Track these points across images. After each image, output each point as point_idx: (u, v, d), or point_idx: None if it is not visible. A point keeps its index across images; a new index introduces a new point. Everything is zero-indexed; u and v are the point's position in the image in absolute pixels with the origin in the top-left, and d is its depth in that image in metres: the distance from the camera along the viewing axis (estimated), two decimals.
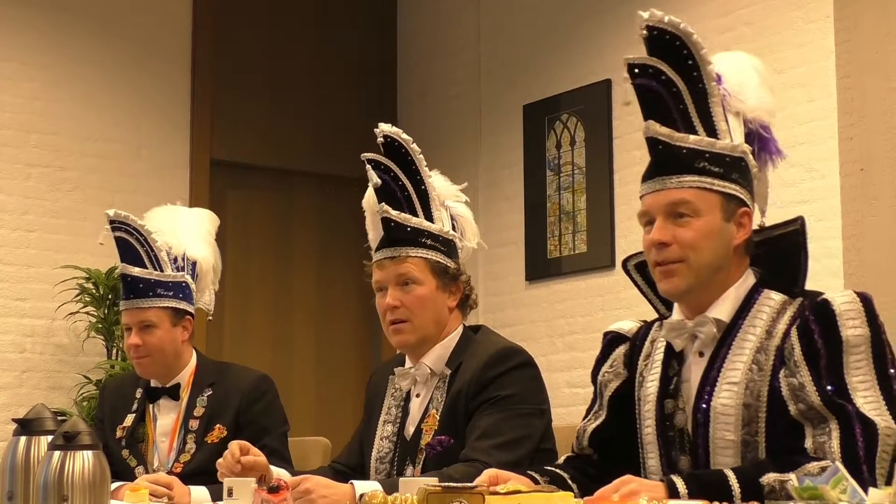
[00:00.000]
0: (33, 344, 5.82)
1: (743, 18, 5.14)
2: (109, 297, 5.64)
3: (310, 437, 4.34)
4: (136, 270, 3.59)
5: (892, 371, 2.26)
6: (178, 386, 3.63)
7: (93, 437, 2.15)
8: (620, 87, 2.53)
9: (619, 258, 5.17)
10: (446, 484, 2.11)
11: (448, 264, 3.05)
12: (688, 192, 2.37)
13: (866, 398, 2.22)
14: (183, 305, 3.64)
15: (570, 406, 5.38)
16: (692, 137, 2.39)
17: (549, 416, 3.02)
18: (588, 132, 5.81)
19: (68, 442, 2.12)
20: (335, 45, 6.78)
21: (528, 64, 6.17)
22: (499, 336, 3.13)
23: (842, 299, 2.29)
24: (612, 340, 2.67)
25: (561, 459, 2.73)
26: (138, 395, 3.67)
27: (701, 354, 2.42)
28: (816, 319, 2.29)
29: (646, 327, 2.63)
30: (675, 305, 2.49)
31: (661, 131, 2.40)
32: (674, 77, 2.39)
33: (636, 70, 2.41)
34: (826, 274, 4.56)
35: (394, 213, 3.01)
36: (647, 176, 2.43)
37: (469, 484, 2.12)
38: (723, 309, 2.41)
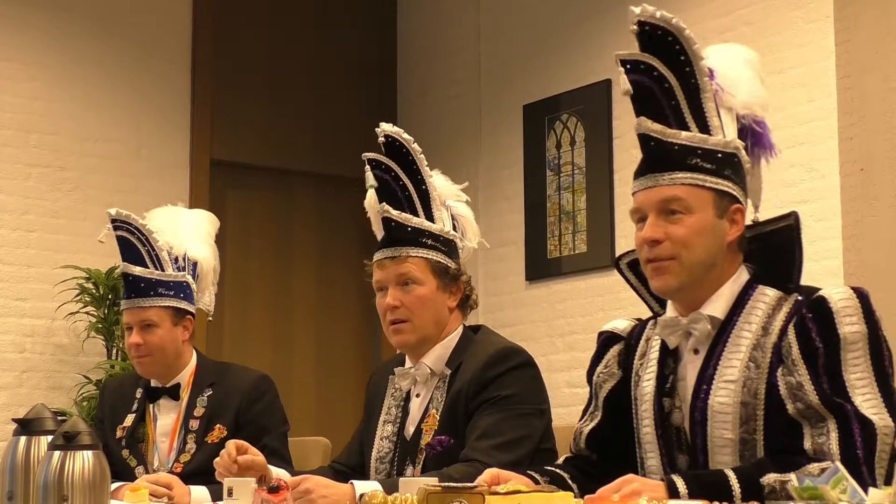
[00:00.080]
0: (33, 344, 5.82)
1: (743, 18, 5.14)
2: (109, 297, 5.64)
3: (310, 437, 4.34)
4: (137, 270, 3.59)
5: (888, 367, 2.26)
6: (178, 386, 3.63)
7: (93, 437, 2.15)
8: (619, 81, 2.50)
9: None
10: (446, 484, 2.11)
11: (448, 264, 3.05)
12: (680, 188, 2.36)
13: (864, 396, 2.22)
14: (184, 305, 3.64)
15: (570, 406, 5.37)
16: (684, 134, 2.38)
17: (549, 416, 3.02)
18: (588, 132, 5.81)
19: (68, 442, 2.12)
20: (335, 45, 6.78)
21: (528, 64, 6.17)
22: (499, 336, 3.13)
23: (839, 296, 2.28)
24: (606, 340, 2.66)
25: (560, 460, 2.73)
26: (138, 395, 3.67)
27: (696, 352, 2.41)
28: (814, 317, 2.28)
29: (640, 326, 2.62)
30: (669, 303, 2.48)
31: (653, 128, 2.38)
32: (666, 73, 2.38)
33: (628, 66, 2.40)
34: (826, 274, 4.56)
35: (394, 213, 3.01)
36: (639, 173, 2.42)
37: (469, 484, 2.12)
38: (717, 306, 2.39)
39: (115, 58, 6.14)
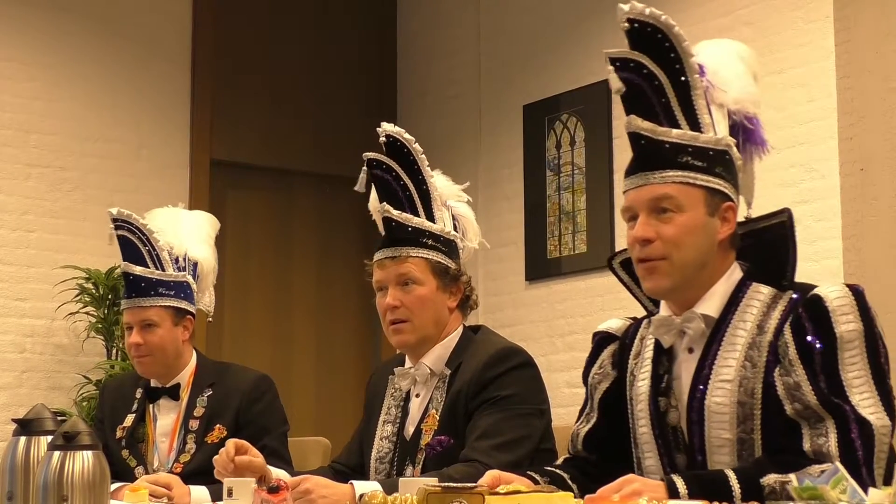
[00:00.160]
0: (33, 344, 5.82)
1: (743, 18, 5.14)
2: (109, 297, 5.64)
3: (310, 437, 4.34)
4: (137, 269, 3.59)
5: (884, 364, 2.25)
6: (178, 386, 3.63)
7: (93, 437, 2.15)
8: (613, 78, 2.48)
9: None
10: (446, 484, 2.11)
11: (449, 265, 3.05)
12: (671, 187, 2.34)
13: (862, 395, 2.21)
14: (184, 305, 3.64)
15: (570, 406, 5.37)
16: (675, 131, 2.36)
17: (548, 416, 3.02)
18: (588, 132, 5.81)
19: (68, 442, 2.11)
20: (335, 45, 6.78)
21: (528, 64, 6.17)
22: (499, 336, 3.13)
23: (834, 294, 2.27)
24: (601, 341, 2.65)
25: (560, 460, 2.73)
26: (138, 396, 3.67)
27: (690, 351, 2.41)
28: (810, 316, 2.27)
29: (635, 325, 2.61)
30: (663, 302, 2.47)
31: (644, 126, 2.37)
32: (655, 70, 2.36)
33: (618, 64, 2.38)
34: (826, 274, 4.56)
35: (395, 213, 3.01)
36: (630, 171, 2.41)
37: (469, 484, 2.12)
38: (710, 304, 2.38)
39: (115, 58, 6.14)
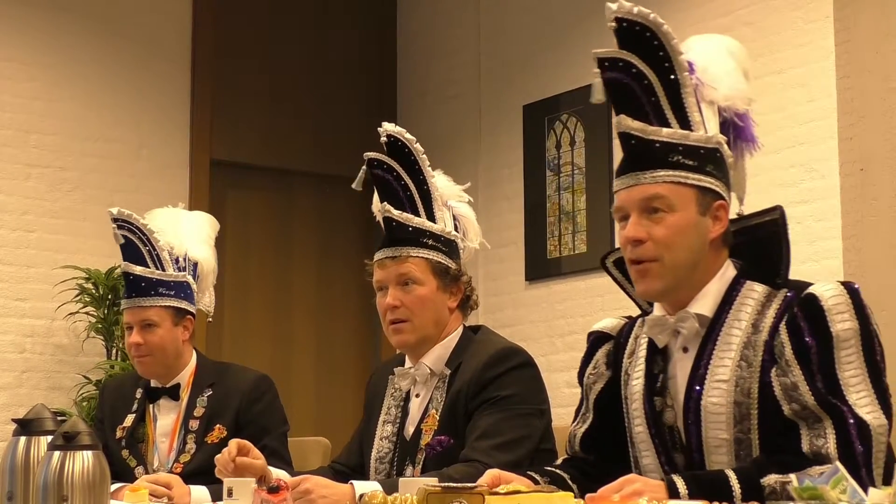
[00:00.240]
0: (33, 344, 5.82)
1: (743, 18, 5.14)
2: (109, 297, 5.64)
3: (310, 437, 4.34)
4: (138, 269, 3.59)
5: (880, 362, 2.25)
6: (178, 386, 3.63)
7: (92, 437, 2.15)
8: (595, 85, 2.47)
9: None
10: (446, 484, 2.11)
11: (449, 265, 3.05)
12: (662, 186, 2.33)
13: (859, 394, 2.21)
14: (184, 305, 3.64)
15: (570, 406, 5.34)
16: (665, 131, 2.35)
17: (548, 417, 3.02)
18: (588, 132, 5.81)
19: (68, 442, 2.11)
20: (335, 45, 6.78)
21: (528, 64, 6.17)
22: (499, 336, 3.13)
23: (829, 293, 2.26)
24: (595, 340, 2.65)
25: (559, 461, 2.72)
26: (138, 396, 3.67)
27: (685, 350, 2.40)
28: (805, 315, 2.26)
29: (629, 324, 2.61)
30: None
31: (633, 125, 2.35)
32: (644, 69, 2.34)
33: (606, 63, 2.36)
34: (826, 274, 4.56)
35: (395, 213, 3.01)
36: (621, 171, 2.40)
37: (469, 484, 2.12)
38: (704, 304, 2.38)
39: (115, 58, 6.14)
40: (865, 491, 1.82)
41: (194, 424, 3.56)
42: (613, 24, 2.35)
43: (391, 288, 3.01)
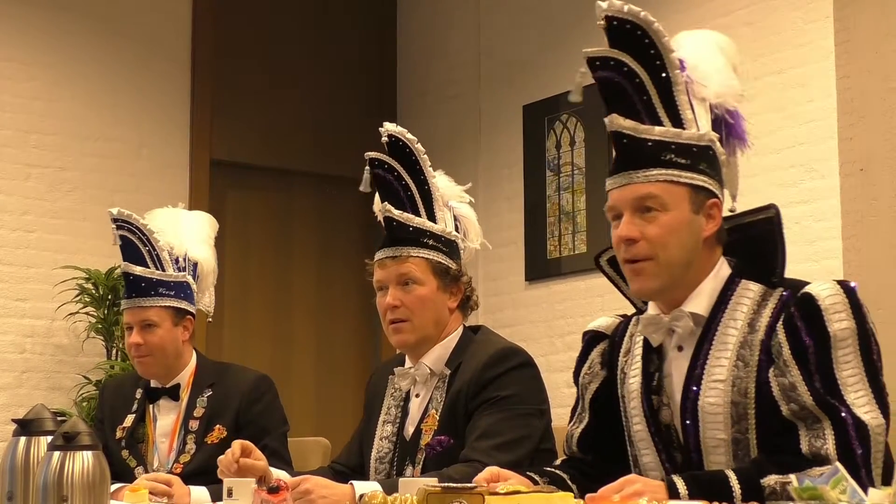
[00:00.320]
0: (33, 344, 5.82)
1: (743, 18, 5.14)
2: (109, 297, 5.64)
3: (310, 437, 4.34)
4: (138, 269, 3.59)
5: (877, 361, 2.25)
6: (177, 386, 3.63)
7: (92, 437, 2.15)
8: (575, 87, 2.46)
9: None
10: (446, 484, 2.11)
11: (449, 265, 3.05)
12: (655, 186, 2.33)
13: (857, 394, 2.21)
14: (184, 305, 3.64)
15: (570, 406, 5.37)
16: (657, 129, 2.34)
17: (548, 417, 3.02)
18: (588, 132, 5.81)
19: (68, 442, 2.11)
20: (335, 45, 6.78)
21: (528, 64, 6.17)
22: (498, 336, 3.13)
23: (826, 293, 2.26)
24: (590, 340, 2.64)
25: (558, 461, 2.72)
26: (138, 396, 3.67)
27: (680, 349, 2.40)
28: (802, 315, 2.26)
29: (624, 322, 2.61)
30: None
31: (625, 124, 2.35)
32: (636, 68, 2.34)
33: (597, 63, 2.36)
34: (826, 274, 4.55)
35: (396, 213, 3.01)
36: (613, 170, 2.40)
37: (469, 484, 2.12)
38: (699, 303, 2.37)
39: (115, 57, 6.14)
40: (865, 491, 1.83)
41: (194, 425, 3.56)
42: (604, 22, 2.34)
43: (391, 288, 3.01)
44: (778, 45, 4.98)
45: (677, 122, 2.36)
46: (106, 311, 5.66)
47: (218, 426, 3.54)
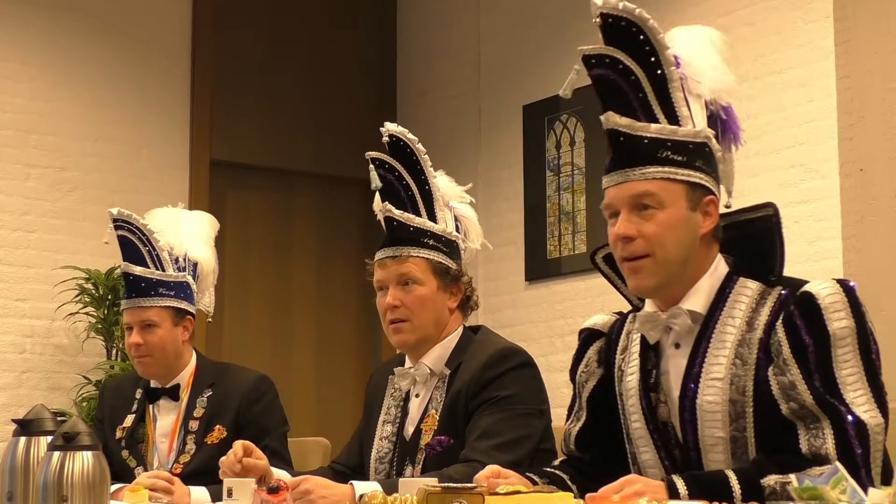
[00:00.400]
0: (33, 344, 5.82)
1: (743, 18, 5.14)
2: (109, 297, 5.64)
3: (310, 437, 4.34)
4: (137, 269, 3.59)
5: (876, 360, 2.25)
6: (177, 386, 3.63)
7: (92, 437, 2.15)
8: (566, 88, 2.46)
9: None
10: (446, 484, 2.11)
11: (449, 265, 3.05)
12: (651, 183, 2.33)
13: (856, 393, 2.21)
14: (184, 305, 3.64)
15: None
16: (653, 126, 2.34)
17: (548, 417, 3.02)
18: (588, 132, 5.81)
19: (68, 442, 2.11)
20: (335, 45, 6.78)
21: (528, 64, 6.17)
22: (498, 336, 3.13)
23: (826, 291, 2.25)
24: (587, 338, 2.64)
25: (557, 461, 2.72)
26: (138, 396, 3.67)
27: (677, 346, 2.40)
28: (802, 314, 2.25)
29: (621, 320, 2.60)
30: None
31: (621, 122, 2.35)
32: (631, 65, 2.33)
33: (592, 60, 2.35)
34: (826, 274, 4.54)
35: (396, 213, 3.01)
36: (609, 168, 2.39)
37: (469, 484, 2.12)
38: (696, 300, 2.37)
39: (115, 57, 6.14)
40: (865, 491, 1.83)
41: (194, 425, 3.56)
42: (599, 20, 2.33)
43: (391, 288, 3.02)
44: (778, 45, 4.98)
45: (673, 119, 2.36)
46: (106, 312, 5.66)
47: (218, 426, 3.54)
